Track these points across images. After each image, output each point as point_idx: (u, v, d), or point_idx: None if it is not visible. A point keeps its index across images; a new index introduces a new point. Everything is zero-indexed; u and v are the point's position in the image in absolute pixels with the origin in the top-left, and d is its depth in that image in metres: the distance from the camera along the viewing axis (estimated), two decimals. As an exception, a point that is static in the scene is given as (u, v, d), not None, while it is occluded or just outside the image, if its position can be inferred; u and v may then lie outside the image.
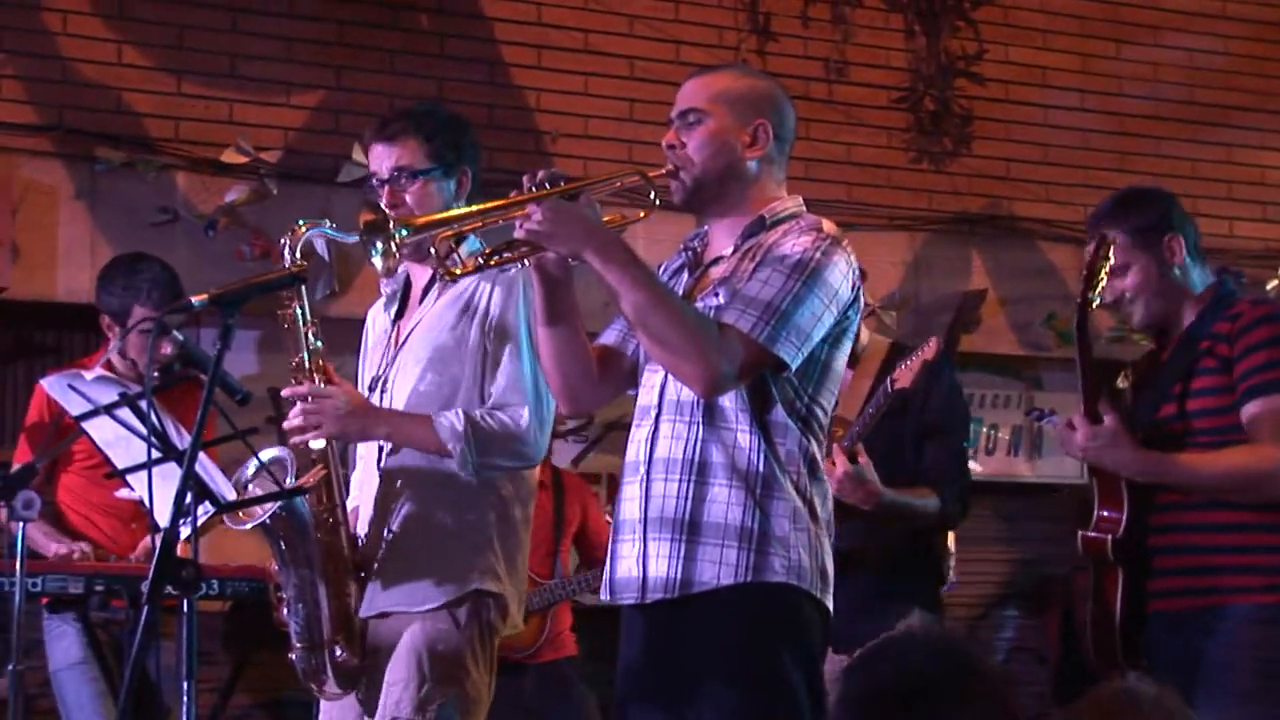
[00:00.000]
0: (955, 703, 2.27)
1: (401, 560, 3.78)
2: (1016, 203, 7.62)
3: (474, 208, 3.37)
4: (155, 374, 4.70)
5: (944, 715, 2.26)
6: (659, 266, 3.48)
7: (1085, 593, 4.13)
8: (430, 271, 3.90)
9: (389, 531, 3.80)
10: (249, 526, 3.75)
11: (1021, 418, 7.76)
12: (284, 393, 3.80)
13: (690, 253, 3.52)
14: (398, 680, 3.70)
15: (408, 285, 4.01)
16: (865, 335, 4.74)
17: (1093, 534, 3.99)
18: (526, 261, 3.30)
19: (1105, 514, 3.98)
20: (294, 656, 3.79)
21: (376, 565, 3.79)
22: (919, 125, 7.50)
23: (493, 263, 3.37)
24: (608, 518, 5.47)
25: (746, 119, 3.40)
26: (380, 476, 3.84)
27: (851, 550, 4.49)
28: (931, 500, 4.56)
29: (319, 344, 3.79)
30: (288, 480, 3.73)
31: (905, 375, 4.46)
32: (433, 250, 3.45)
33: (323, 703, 3.91)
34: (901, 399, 4.50)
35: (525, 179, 3.27)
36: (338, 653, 3.75)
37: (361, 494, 3.92)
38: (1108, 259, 3.92)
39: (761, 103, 3.44)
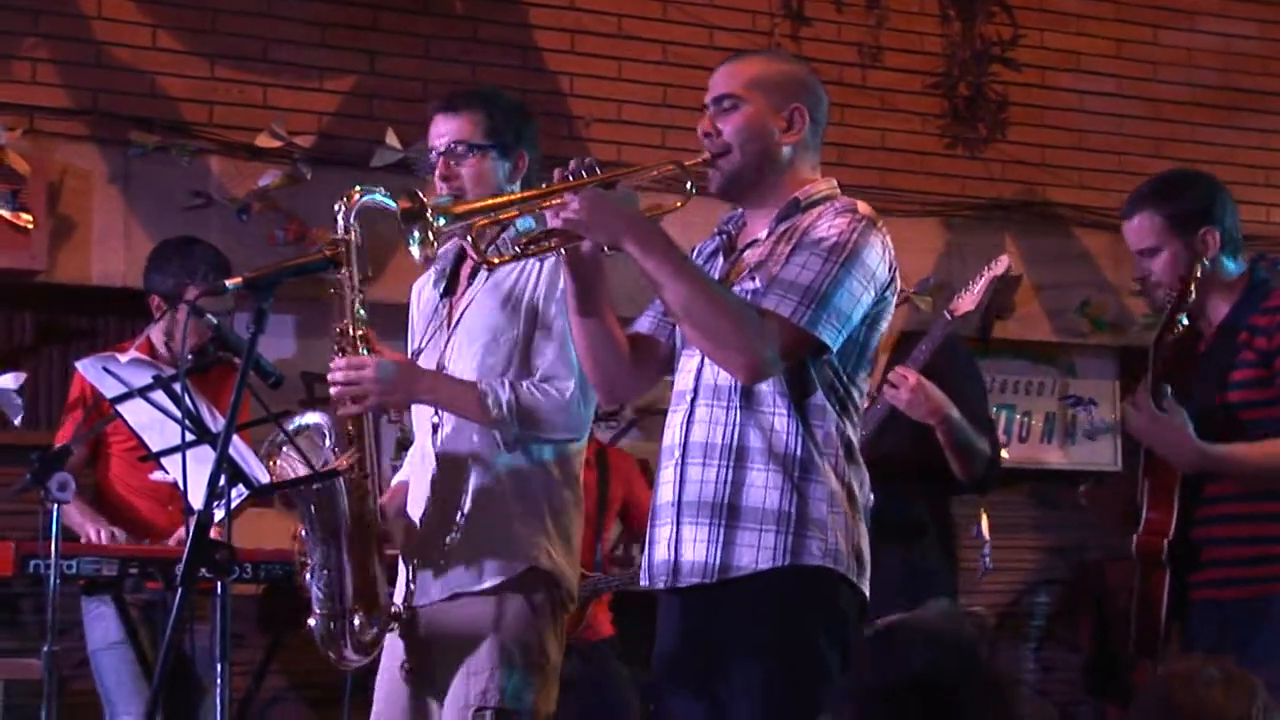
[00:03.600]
0: (961, 698, 2.26)
1: (460, 542, 3.75)
2: (1051, 189, 7.58)
3: (511, 196, 3.39)
4: (189, 357, 4.74)
5: (949, 711, 2.25)
6: (693, 250, 3.47)
7: (1119, 583, 4.13)
8: None
9: (444, 514, 3.77)
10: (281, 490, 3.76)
11: (1055, 404, 7.73)
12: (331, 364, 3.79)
13: (724, 236, 3.51)
14: (481, 669, 3.67)
15: (459, 260, 4.00)
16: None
17: (1145, 537, 3.98)
18: (563, 250, 3.30)
19: (1154, 515, 3.97)
20: (313, 622, 3.78)
21: (438, 548, 3.76)
22: (953, 111, 7.47)
23: (530, 251, 3.38)
24: None
25: (782, 104, 3.39)
26: (435, 458, 3.82)
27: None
28: (983, 441, 4.52)
29: (364, 313, 3.77)
30: (326, 443, 3.73)
31: (968, 300, 4.39)
32: (469, 238, 3.45)
33: (377, 691, 3.91)
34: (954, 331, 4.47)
35: (557, 172, 3.27)
36: (356, 622, 3.75)
37: (414, 472, 3.91)
38: (1192, 296, 3.87)
39: (796, 88, 3.43)
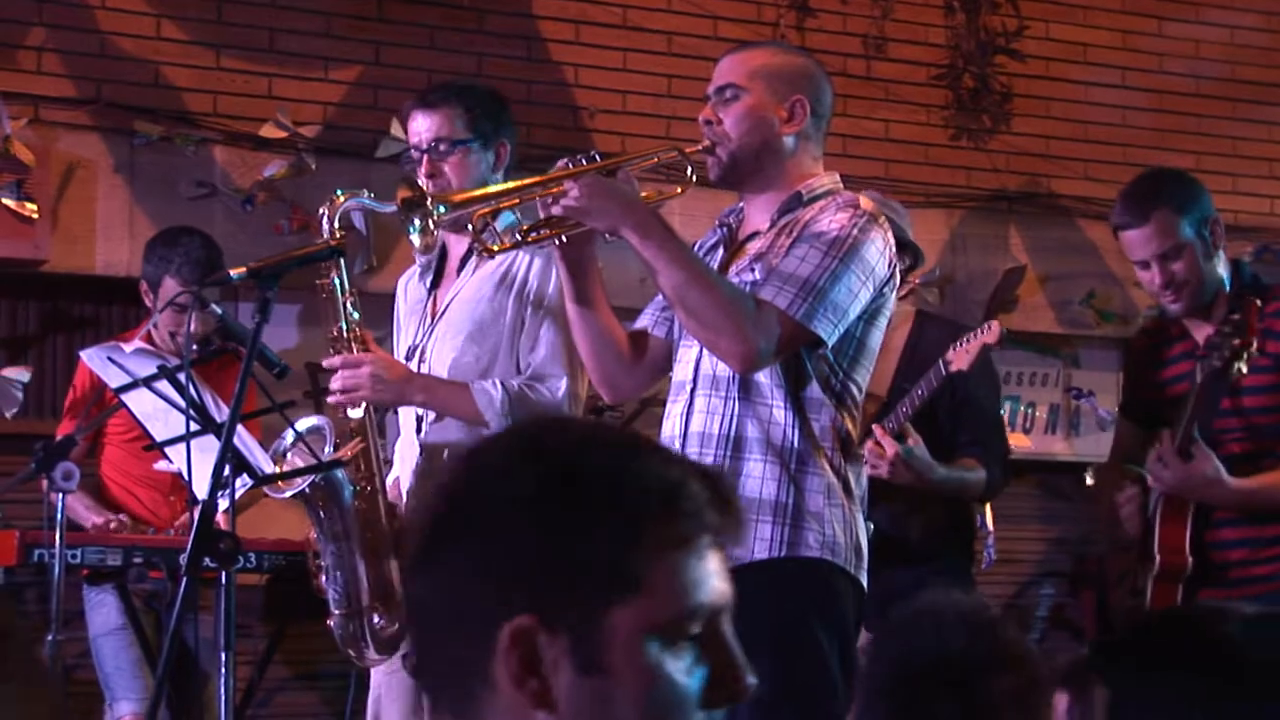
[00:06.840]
0: (985, 676, 2.25)
1: None
2: (1056, 180, 7.56)
3: (511, 184, 3.39)
4: (194, 347, 4.75)
5: (974, 689, 2.25)
6: (694, 244, 3.48)
7: (1119, 575, 4.11)
8: (468, 241, 3.91)
9: None
10: (287, 495, 3.77)
11: (1059, 396, 7.71)
12: (324, 363, 3.84)
13: (725, 229, 3.52)
14: None
15: (443, 254, 4.02)
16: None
17: (1166, 557, 3.91)
18: (564, 238, 3.31)
19: (1166, 529, 3.91)
20: (332, 623, 3.81)
21: None
22: (958, 102, 7.45)
23: (530, 239, 3.38)
24: None
25: (784, 95, 3.40)
26: (421, 448, 3.84)
27: (891, 536, 4.47)
28: (978, 472, 4.56)
29: (357, 314, 3.80)
30: (325, 449, 3.75)
31: (963, 358, 4.35)
32: (470, 225, 3.46)
33: (374, 678, 3.92)
34: (950, 381, 4.46)
35: (559, 162, 3.28)
36: (376, 620, 3.76)
37: (403, 465, 3.94)
38: (1260, 321, 3.71)
39: (799, 79, 3.44)
